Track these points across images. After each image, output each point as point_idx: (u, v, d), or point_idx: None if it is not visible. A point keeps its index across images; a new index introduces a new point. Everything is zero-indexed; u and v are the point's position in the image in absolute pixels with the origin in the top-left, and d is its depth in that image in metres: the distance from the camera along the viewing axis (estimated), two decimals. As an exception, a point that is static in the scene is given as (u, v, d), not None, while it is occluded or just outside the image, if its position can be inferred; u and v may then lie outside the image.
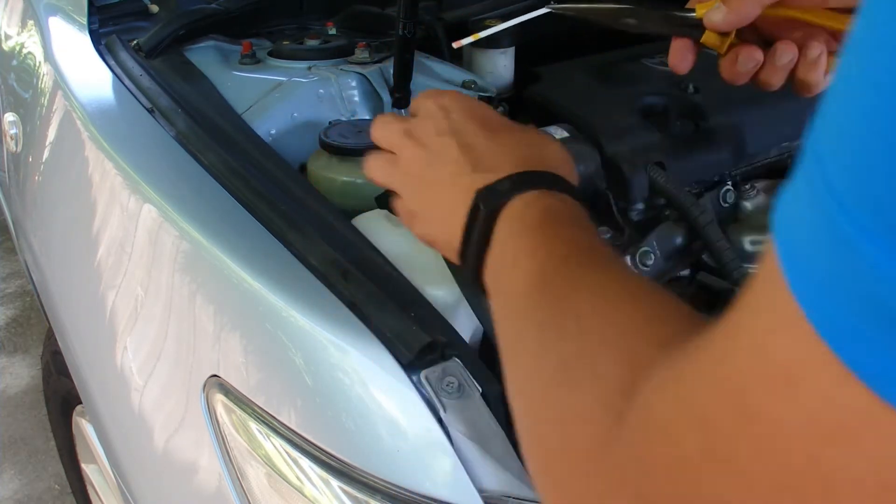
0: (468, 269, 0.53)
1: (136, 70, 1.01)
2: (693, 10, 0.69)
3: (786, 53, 0.66)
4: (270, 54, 1.06)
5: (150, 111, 0.93)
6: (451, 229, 0.55)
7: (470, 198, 0.53)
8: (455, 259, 0.56)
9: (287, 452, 0.61)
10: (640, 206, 0.88)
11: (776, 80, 0.68)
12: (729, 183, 0.92)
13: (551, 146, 0.58)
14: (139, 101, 0.95)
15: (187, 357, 0.74)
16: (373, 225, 0.76)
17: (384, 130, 0.62)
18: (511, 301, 0.47)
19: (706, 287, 0.83)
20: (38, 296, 1.25)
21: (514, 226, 0.50)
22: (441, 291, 0.68)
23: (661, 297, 0.41)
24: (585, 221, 0.50)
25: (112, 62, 1.06)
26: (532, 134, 0.59)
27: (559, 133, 0.88)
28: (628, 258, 0.85)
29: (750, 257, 0.88)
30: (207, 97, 0.95)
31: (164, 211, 0.79)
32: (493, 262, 0.51)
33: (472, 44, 1.09)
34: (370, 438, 0.58)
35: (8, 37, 1.46)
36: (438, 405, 0.57)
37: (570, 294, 0.43)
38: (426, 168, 0.57)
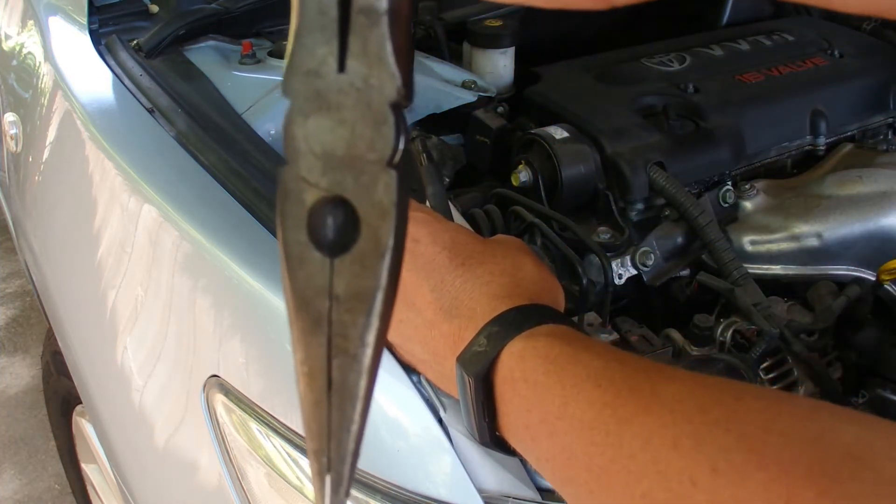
0: (482, 436, 0.50)
1: (136, 70, 1.01)
2: None
3: None
4: (270, 54, 1.06)
5: (150, 111, 0.93)
6: (440, 370, 0.53)
7: (451, 347, 0.51)
8: (446, 390, 0.55)
9: (287, 452, 0.61)
10: (640, 206, 0.88)
11: None
12: (729, 183, 0.93)
13: (526, 267, 0.54)
14: (139, 101, 0.95)
15: (187, 357, 0.74)
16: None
17: None
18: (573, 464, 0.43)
19: (706, 287, 0.83)
20: (38, 296, 1.25)
21: (518, 388, 0.46)
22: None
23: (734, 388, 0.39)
24: (578, 344, 0.47)
25: (112, 62, 1.06)
26: (505, 258, 0.55)
27: (559, 133, 0.88)
28: (628, 258, 0.85)
29: (750, 257, 0.88)
30: (207, 97, 0.95)
31: (165, 211, 0.79)
32: (513, 427, 0.48)
33: (472, 43, 1.09)
34: (370, 438, 0.58)
35: (8, 37, 1.46)
36: (438, 405, 0.57)
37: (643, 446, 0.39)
38: (400, 309, 0.54)
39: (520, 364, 0.47)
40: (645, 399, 0.41)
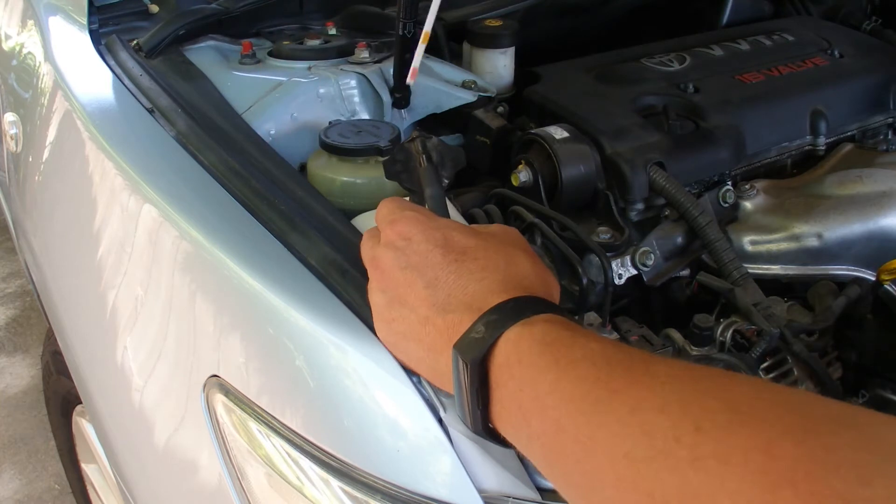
0: (475, 424, 0.50)
1: (136, 70, 1.01)
2: None
3: None
4: (270, 54, 1.06)
5: (150, 111, 0.93)
6: (434, 366, 0.54)
7: (446, 341, 0.51)
8: (441, 386, 0.55)
9: (287, 452, 0.61)
10: (640, 206, 0.88)
11: None
12: (729, 183, 0.93)
13: (519, 261, 0.55)
14: (139, 101, 0.95)
15: (187, 357, 0.74)
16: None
17: (361, 249, 0.61)
18: (565, 444, 0.43)
19: (706, 287, 0.83)
20: (38, 296, 1.25)
21: (513, 370, 0.47)
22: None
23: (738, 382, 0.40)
24: (576, 330, 0.47)
25: (112, 62, 1.06)
26: (498, 253, 0.55)
27: (559, 133, 0.88)
28: (628, 258, 0.85)
29: (750, 257, 0.88)
30: (207, 97, 0.95)
31: (164, 211, 0.78)
32: (506, 412, 0.48)
33: (472, 44, 1.09)
34: (370, 438, 0.58)
35: (8, 37, 1.46)
36: (438, 405, 0.57)
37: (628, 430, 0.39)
38: (393, 307, 0.55)
39: (516, 348, 0.47)
40: (638, 375, 0.42)
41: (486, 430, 0.50)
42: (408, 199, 0.67)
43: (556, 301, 0.55)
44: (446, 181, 0.70)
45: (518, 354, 0.47)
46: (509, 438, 0.49)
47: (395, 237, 0.57)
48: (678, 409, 0.38)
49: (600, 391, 0.42)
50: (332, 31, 1.13)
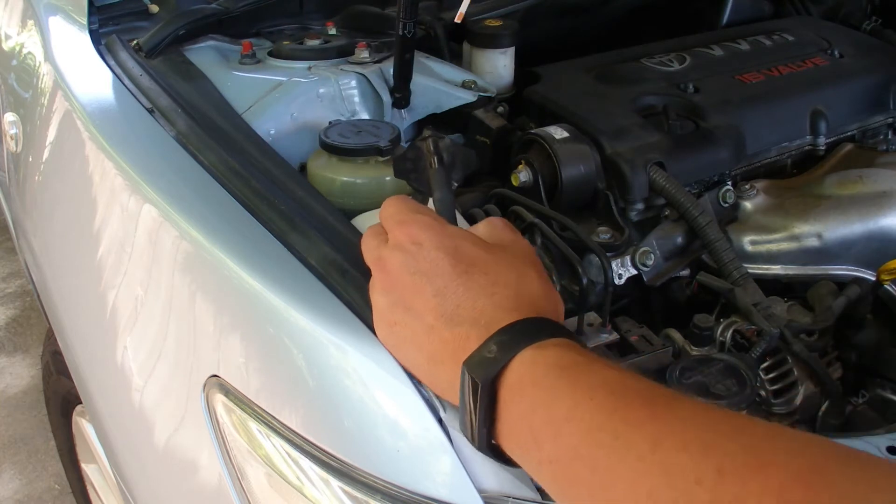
0: (479, 441, 0.50)
1: (136, 70, 1.01)
2: None
3: None
4: (270, 54, 1.06)
5: (150, 111, 0.93)
6: (433, 373, 0.53)
7: (451, 353, 0.51)
8: (439, 394, 0.55)
9: (287, 452, 0.61)
10: (640, 206, 0.88)
11: None
12: (729, 183, 0.93)
13: (530, 279, 0.55)
14: (139, 101, 0.95)
15: (187, 357, 0.74)
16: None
17: (364, 247, 0.60)
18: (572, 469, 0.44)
19: (706, 287, 0.83)
20: (38, 296, 1.25)
21: (525, 392, 0.47)
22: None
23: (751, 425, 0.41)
24: (590, 356, 0.48)
25: (112, 62, 1.06)
26: (509, 268, 0.55)
27: (559, 133, 0.88)
28: (628, 258, 0.85)
29: (750, 257, 0.88)
30: (207, 97, 0.95)
31: (165, 211, 0.79)
32: (514, 432, 0.48)
33: (472, 44, 1.09)
34: (370, 439, 0.58)
35: (8, 37, 1.46)
36: (438, 405, 0.57)
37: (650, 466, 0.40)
38: (397, 310, 0.55)
39: (530, 370, 0.47)
40: (658, 409, 0.42)
41: (489, 447, 0.50)
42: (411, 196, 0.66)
43: (561, 320, 0.56)
44: (456, 184, 0.69)
45: (532, 377, 0.47)
46: (515, 458, 0.49)
47: (404, 240, 0.56)
48: (699, 449, 0.39)
49: (619, 423, 0.42)
50: (332, 31, 1.13)
